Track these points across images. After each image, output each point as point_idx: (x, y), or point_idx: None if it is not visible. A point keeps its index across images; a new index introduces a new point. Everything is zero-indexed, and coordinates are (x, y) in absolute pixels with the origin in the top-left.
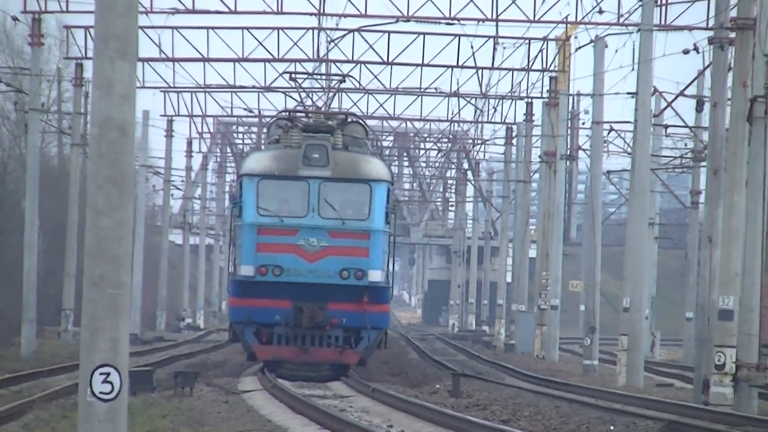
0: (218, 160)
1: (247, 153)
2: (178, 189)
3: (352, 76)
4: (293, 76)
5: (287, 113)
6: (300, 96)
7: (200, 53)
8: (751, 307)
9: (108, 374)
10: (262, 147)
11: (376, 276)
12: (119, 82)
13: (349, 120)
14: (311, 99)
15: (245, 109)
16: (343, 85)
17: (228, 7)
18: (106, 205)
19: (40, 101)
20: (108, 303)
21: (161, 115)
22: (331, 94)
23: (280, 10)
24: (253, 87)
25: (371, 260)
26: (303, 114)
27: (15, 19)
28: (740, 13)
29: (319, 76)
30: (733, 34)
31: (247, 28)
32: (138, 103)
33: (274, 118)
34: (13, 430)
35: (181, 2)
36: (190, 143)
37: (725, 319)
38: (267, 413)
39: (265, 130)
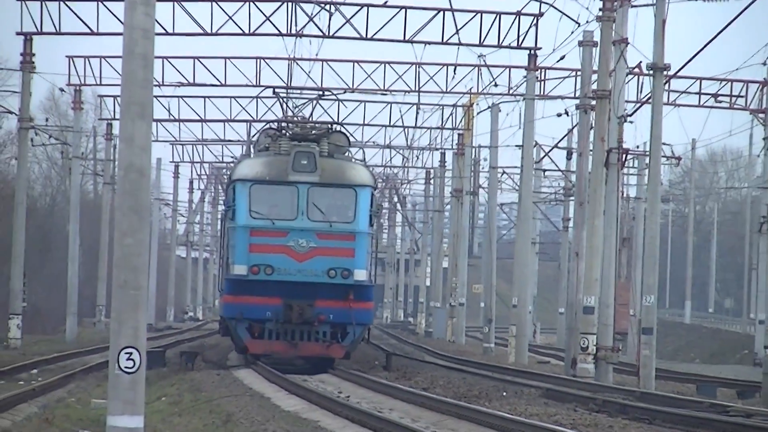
0: (212, 195)
1: (239, 160)
2: (183, 216)
3: (329, 90)
4: (276, 91)
5: (276, 123)
6: (283, 109)
7: (199, 115)
8: (607, 304)
9: (131, 354)
10: (252, 155)
11: (361, 275)
12: (139, 137)
13: (333, 129)
14: (292, 112)
15: (232, 158)
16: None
17: (219, 81)
18: (129, 228)
19: (80, 151)
20: (130, 301)
21: (170, 162)
22: (311, 107)
23: (258, 83)
24: (238, 141)
25: (356, 260)
26: (291, 124)
27: (62, 90)
28: (599, 86)
29: (299, 92)
30: (594, 102)
31: (234, 97)
32: (152, 153)
33: (263, 128)
34: (61, 395)
35: (184, 77)
36: (191, 183)
37: (588, 314)
38: (248, 383)
39: (253, 139)
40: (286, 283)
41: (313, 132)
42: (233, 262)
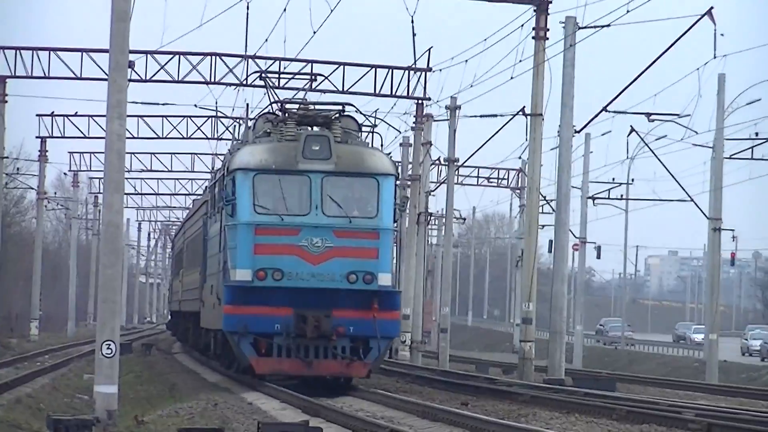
0: (163, 242)
1: (237, 147)
2: (143, 255)
3: (322, 74)
4: (263, 75)
5: (279, 105)
6: (271, 95)
7: (154, 191)
8: (418, 312)
9: (110, 344)
10: (251, 142)
11: (386, 280)
12: (115, 204)
13: (343, 112)
14: (277, 97)
15: (177, 219)
16: None
17: (167, 168)
18: (109, 263)
19: (77, 213)
20: (110, 310)
21: (135, 220)
22: (304, 92)
23: (192, 169)
24: (180, 207)
25: (381, 262)
26: (296, 106)
27: (65, 174)
28: (413, 172)
29: (289, 75)
30: (410, 182)
31: (178, 179)
32: (124, 214)
33: (261, 113)
34: (64, 372)
35: (145, 166)
36: (149, 234)
37: (406, 319)
38: (187, 364)
39: (249, 125)
40: (299, 290)
41: (323, 114)
42: (234, 266)
